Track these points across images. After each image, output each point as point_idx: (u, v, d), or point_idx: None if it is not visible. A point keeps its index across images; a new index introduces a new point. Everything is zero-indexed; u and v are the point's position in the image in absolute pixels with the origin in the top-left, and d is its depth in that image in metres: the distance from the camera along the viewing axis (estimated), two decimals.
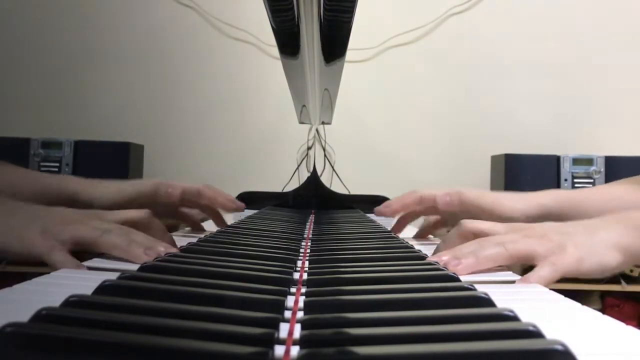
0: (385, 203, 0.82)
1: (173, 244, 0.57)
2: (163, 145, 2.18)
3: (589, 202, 0.76)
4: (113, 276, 0.36)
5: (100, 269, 0.47)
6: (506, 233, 0.53)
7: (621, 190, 0.77)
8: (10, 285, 0.38)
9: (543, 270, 0.48)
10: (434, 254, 0.54)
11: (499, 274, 0.50)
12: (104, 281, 0.34)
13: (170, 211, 0.85)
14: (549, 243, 0.49)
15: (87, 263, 0.49)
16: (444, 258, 0.50)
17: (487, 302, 0.33)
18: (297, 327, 0.29)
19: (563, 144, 2.08)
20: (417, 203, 0.80)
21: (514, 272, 0.51)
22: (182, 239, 0.69)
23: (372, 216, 1.17)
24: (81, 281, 0.41)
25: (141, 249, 0.49)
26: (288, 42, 0.66)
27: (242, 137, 2.20)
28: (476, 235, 0.55)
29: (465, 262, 0.49)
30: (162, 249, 0.50)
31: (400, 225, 0.86)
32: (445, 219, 0.84)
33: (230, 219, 1.01)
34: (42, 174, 0.82)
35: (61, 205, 0.75)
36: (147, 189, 0.77)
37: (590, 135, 2.16)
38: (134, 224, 0.54)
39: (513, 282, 0.47)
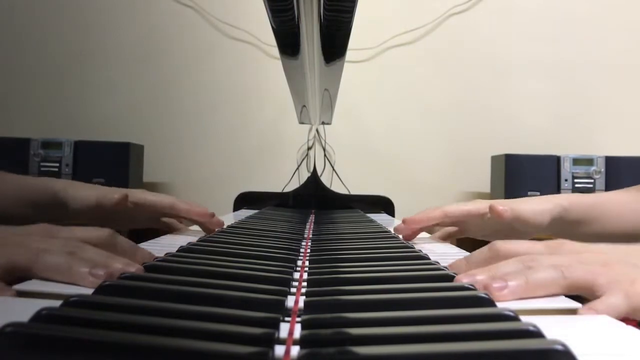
0: (410, 218, 0.77)
1: (148, 257, 0.49)
2: (163, 145, 2.18)
3: (607, 205, 0.75)
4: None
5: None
6: (553, 255, 0.44)
7: (637, 195, 0.77)
8: (10, 285, 0.38)
9: (615, 299, 0.38)
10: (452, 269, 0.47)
11: (549, 299, 0.40)
12: (104, 281, 0.34)
13: (152, 220, 0.84)
14: (613, 272, 0.40)
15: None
16: (478, 278, 0.40)
17: (488, 301, 0.33)
18: (297, 327, 0.29)
19: (563, 144, 2.08)
20: (443, 217, 0.77)
21: None
22: (182, 239, 0.69)
23: (372, 216, 1.17)
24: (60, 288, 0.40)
25: (86, 269, 0.40)
26: (288, 42, 0.66)
27: (242, 137, 2.20)
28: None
29: (512, 285, 0.39)
30: (120, 265, 0.41)
31: (414, 234, 0.79)
32: (462, 230, 0.83)
33: (230, 219, 1.01)
34: (27, 177, 0.81)
35: (44, 206, 0.74)
36: (106, 202, 0.73)
37: (590, 135, 2.16)
38: (96, 245, 0.46)
39: (574, 310, 0.38)
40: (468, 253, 0.56)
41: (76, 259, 0.41)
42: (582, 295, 0.40)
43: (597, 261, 0.42)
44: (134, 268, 0.42)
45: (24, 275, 0.40)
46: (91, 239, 0.46)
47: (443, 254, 0.63)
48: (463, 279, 0.41)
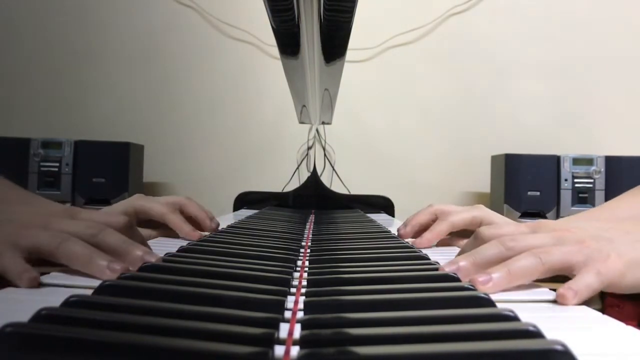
0: (419, 240, 0.77)
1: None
2: (163, 145, 2.18)
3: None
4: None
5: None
6: (533, 234, 0.47)
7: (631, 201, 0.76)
8: (10, 285, 0.38)
9: (589, 277, 0.40)
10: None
11: (533, 291, 0.42)
12: (104, 281, 0.35)
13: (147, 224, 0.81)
14: (588, 250, 0.43)
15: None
16: (461, 264, 0.44)
17: (487, 302, 0.33)
18: (297, 327, 0.29)
19: (563, 144, 2.08)
20: (450, 229, 0.76)
21: None
22: (182, 240, 0.69)
23: (372, 216, 1.17)
24: (81, 281, 0.41)
25: (105, 262, 0.41)
26: (288, 42, 0.66)
27: (242, 137, 2.20)
28: None
29: (495, 277, 0.41)
30: (140, 253, 0.43)
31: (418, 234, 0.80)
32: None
33: (230, 219, 1.01)
34: (31, 196, 0.78)
35: None
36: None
37: (590, 135, 2.16)
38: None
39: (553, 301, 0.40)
40: None
41: (97, 251, 0.42)
42: (566, 275, 0.43)
43: (573, 239, 0.45)
44: (154, 258, 0.44)
45: (47, 258, 0.42)
46: (111, 225, 0.47)
47: (443, 253, 0.63)
48: (446, 268, 0.44)
